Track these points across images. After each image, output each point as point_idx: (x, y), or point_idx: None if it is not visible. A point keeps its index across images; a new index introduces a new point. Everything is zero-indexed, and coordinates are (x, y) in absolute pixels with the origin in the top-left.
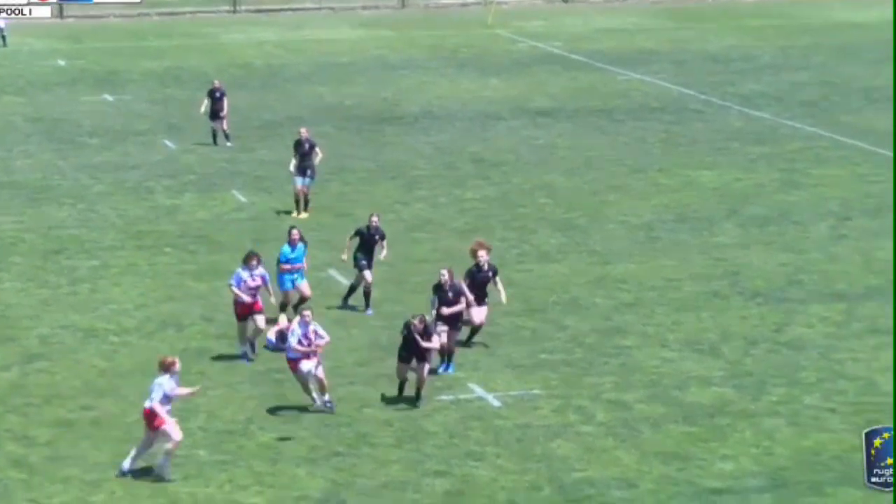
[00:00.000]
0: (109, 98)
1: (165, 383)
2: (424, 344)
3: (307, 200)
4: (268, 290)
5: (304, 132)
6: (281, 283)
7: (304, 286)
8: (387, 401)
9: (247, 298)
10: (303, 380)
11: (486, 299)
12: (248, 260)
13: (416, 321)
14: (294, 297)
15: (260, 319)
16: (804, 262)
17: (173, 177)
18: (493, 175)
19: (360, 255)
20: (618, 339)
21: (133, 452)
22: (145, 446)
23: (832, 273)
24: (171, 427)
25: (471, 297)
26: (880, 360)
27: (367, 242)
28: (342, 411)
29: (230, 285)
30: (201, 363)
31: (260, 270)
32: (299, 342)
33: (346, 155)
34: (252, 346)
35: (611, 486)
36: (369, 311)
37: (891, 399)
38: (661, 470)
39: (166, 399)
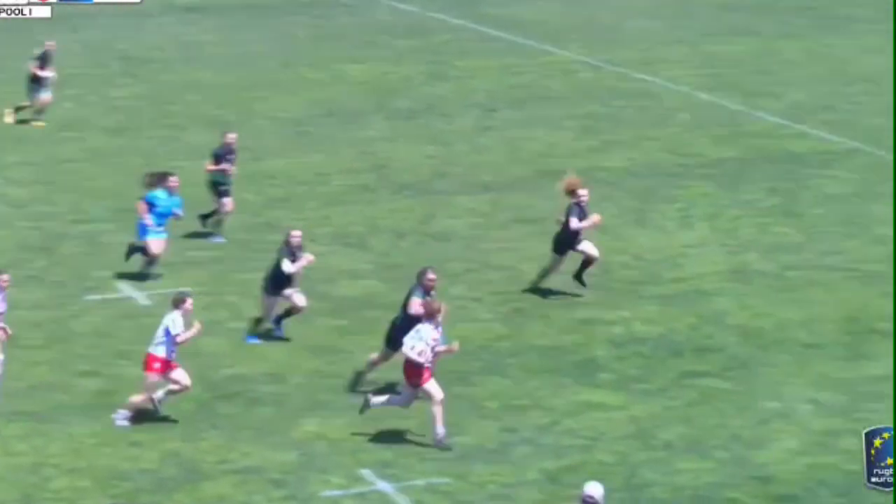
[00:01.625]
0: None
1: (424, 331)
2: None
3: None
4: None
5: (51, 45)
6: (142, 233)
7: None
8: (35, 302)
9: None
10: None
11: None
12: None
13: (430, 273)
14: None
15: None
16: (450, 153)
17: None
18: (142, 73)
19: (220, 178)
20: (268, 234)
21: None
22: (403, 401)
23: (478, 164)
24: (433, 386)
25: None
26: (526, 249)
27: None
28: None
29: None
30: None
31: None
32: None
33: None
34: None
35: (259, 382)
36: (220, 239)
37: (533, 286)
38: (310, 364)
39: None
